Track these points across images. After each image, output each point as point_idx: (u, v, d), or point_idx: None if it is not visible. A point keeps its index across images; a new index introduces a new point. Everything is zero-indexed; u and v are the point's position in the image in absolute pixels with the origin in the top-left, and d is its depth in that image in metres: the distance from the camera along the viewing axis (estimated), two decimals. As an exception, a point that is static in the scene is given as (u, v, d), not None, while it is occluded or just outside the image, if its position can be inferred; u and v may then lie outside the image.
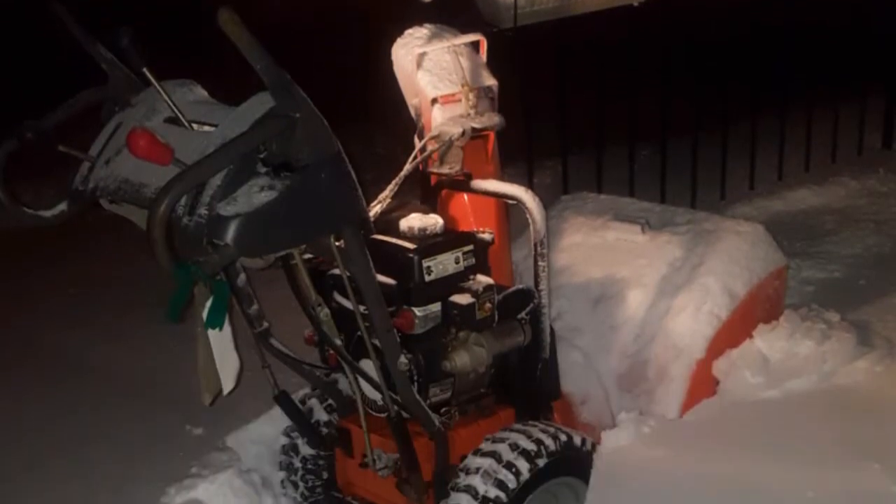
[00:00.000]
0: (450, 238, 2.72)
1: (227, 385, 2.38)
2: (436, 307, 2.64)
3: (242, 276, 2.57)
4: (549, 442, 2.72)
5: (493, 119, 3.04)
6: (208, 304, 2.15)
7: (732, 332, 3.29)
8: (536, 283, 2.89)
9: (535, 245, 2.87)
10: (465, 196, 3.11)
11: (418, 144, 3.00)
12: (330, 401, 3.11)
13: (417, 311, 2.61)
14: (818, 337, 3.30)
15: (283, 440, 3.22)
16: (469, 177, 2.99)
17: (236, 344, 2.36)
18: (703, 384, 3.23)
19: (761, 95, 6.03)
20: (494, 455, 2.67)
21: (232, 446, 3.46)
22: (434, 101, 3.04)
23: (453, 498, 2.64)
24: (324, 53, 7.57)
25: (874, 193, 5.72)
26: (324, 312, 2.64)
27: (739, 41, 5.78)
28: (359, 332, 2.60)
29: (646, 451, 2.95)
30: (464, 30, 3.21)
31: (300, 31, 7.92)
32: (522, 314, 2.86)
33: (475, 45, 3.17)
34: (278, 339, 2.73)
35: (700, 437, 3.05)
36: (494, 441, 2.73)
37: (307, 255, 2.60)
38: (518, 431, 2.76)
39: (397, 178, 2.79)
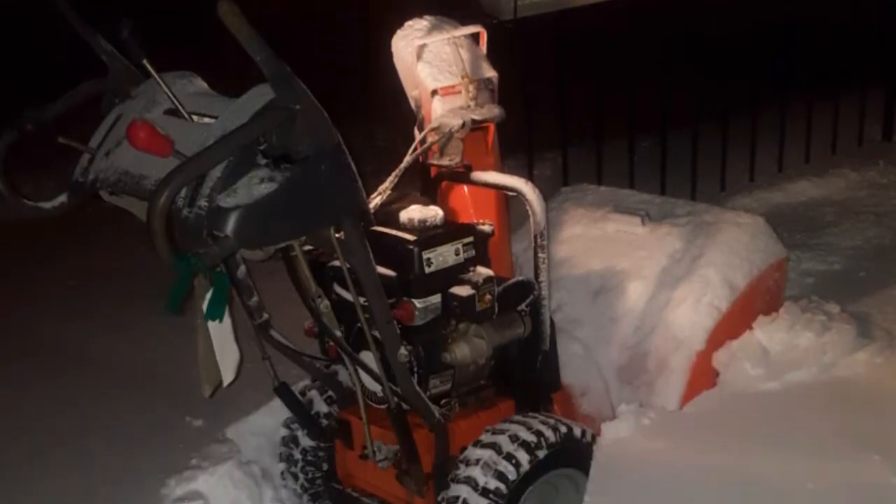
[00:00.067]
0: (450, 230, 2.72)
1: (227, 377, 2.39)
2: (436, 299, 2.64)
3: (242, 268, 2.57)
4: (549, 433, 2.73)
5: (493, 111, 3.03)
6: (208, 295, 2.15)
7: (732, 323, 3.29)
8: (536, 275, 2.89)
9: (535, 237, 2.87)
10: (465, 188, 3.11)
11: (418, 136, 3.00)
12: (330, 392, 3.11)
13: (417, 303, 2.61)
14: (818, 328, 3.30)
15: (283, 432, 3.23)
16: (469, 168, 2.99)
17: (236, 335, 2.37)
18: (703, 376, 3.23)
19: (762, 87, 6.02)
20: (494, 446, 2.67)
21: (232, 438, 3.46)
22: (434, 92, 3.03)
23: (453, 489, 2.64)
24: (324, 45, 7.54)
25: (874, 185, 5.70)
26: (324, 304, 2.64)
27: (740, 34, 5.76)
28: (359, 324, 2.60)
29: (646, 442, 2.96)
30: (464, 21, 3.21)
31: (300, 23, 7.91)
32: (522, 306, 2.86)
33: (475, 37, 3.16)
34: (278, 331, 2.73)
35: (700, 428, 3.05)
36: (494, 432, 2.73)
37: (307, 247, 2.60)
38: (518, 423, 2.76)
39: (397, 170, 2.79)
